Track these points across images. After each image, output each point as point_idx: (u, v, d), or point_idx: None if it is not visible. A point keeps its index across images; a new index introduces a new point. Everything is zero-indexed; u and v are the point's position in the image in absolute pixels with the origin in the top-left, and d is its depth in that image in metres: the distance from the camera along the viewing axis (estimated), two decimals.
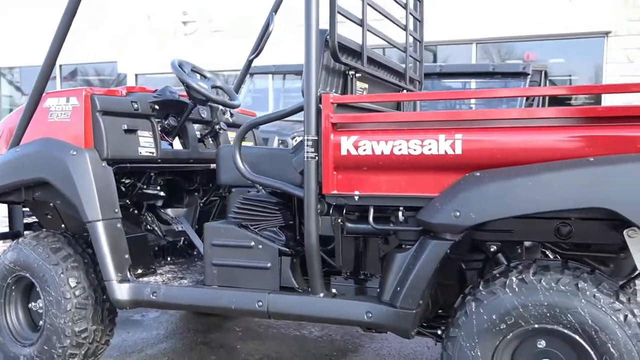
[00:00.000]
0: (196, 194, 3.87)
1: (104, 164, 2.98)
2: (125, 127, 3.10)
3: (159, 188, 3.58)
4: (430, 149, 2.33)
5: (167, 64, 14.10)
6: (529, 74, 9.26)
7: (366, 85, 3.15)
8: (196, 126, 3.64)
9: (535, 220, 2.46)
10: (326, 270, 2.72)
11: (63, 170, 2.95)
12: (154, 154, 3.27)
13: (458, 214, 2.22)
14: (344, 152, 2.46)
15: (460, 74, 9.90)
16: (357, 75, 2.94)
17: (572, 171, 2.09)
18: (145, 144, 3.24)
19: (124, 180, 3.38)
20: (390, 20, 3.38)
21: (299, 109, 2.58)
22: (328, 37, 2.60)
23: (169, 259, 3.59)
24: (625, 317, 2.10)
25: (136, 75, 16.39)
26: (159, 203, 3.63)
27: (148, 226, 3.57)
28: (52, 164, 2.98)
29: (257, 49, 3.83)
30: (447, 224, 2.25)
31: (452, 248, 2.42)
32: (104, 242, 2.91)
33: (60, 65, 17.15)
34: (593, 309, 2.12)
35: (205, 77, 3.54)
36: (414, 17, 3.74)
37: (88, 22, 14.66)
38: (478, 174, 2.25)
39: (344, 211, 2.61)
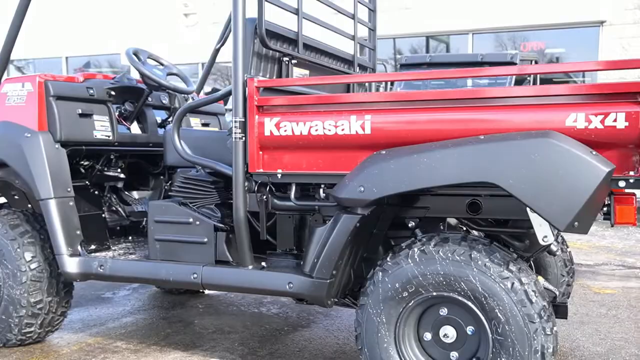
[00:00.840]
0: (162, 177, 4.06)
1: (57, 146, 3.18)
2: (80, 112, 3.29)
3: (119, 170, 3.77)
4: (343, 129, 2.49)
5: (169, 54, 14.26)
6: (516, 64, 9.35)
7: (307, 72, 3.31)
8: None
9: (448, 197, 2.62)
10: (272, 246, 2.91)
11: (18, 152, 3.14)
12: (110, 137, 3.46)
13: (362, 189, 2.38)
14: (267, 133, 2.63)
15: (448, 64, 9.99)
16: (293, 61, 3.10)
17: (461, 148, 2.24)
18: (101, 128, 3.43)
19: (83, 162, 3.57)
20: (336, 10, 3.53)
21: (229, 93, 2.76)
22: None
23: (130, 237, 3.78)
24: (512, 284, 2.25)
25: None
26: (120, 185, 3.82)
27: (112, 207, 3.77)
28: (8, 145, 3.18)
29: (223, 39, 3.99)
30: (352, 198, 2.41)
31: (374, 223, 2.59)
32: (55, 219, 3.10)
33: (67, 57, 17.42)
34: (483, 277, 2.27)
35: (161, 64, 3.72)
36: (366, 7, 3.88)
37: (93, 13, 14.92)
38: (384, 152, 2.41)
39: (269, 188, 2.78)
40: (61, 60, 17.43)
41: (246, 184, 2.69)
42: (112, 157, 3.70)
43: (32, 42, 17.30)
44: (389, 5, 13.60)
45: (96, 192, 3.68)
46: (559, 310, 3.00)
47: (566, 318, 3.00)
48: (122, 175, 3.77)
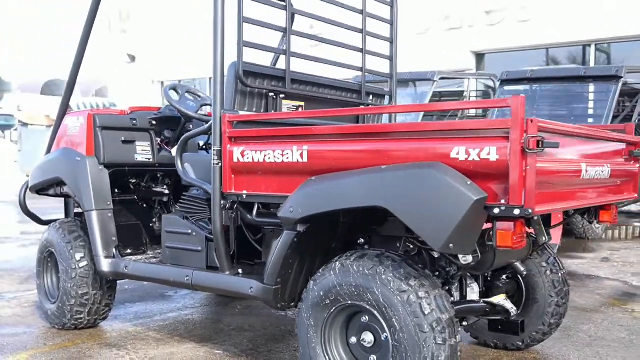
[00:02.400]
0: None
1: (101, 168, 3.91)
2: (123, 139, 4.01)
3: (165, 187, 4.45)
4: (288, 158, 2.93)
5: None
6: (621, 77, 8.97)
7: (302, 103, 3.76)
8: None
9: (392, 218, 2.93)
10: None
11: (71, 172, 3.93)
12: (151, 160, 4.15)
13: (292, 209, 2.80)
14: (235, 160, 3.12)
15: (550, 78, 9.78)
16: (281, 96, 3.57)
17: (363, 176, 2.59)
18: (142, 152, 4.13)
19: (131, 180, 4.30)
20: (343, 47, 3.93)
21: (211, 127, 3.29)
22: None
23: None
24: (408, 297, 2.54)
25: None
26: (165, 199, 4.50)
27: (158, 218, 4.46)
28: (64, 167, 3.98)
29: None
30: (285, 217, 2.83)
31: (330, 239, 2.99)
32: (95, 227, 3.83)
33: (162, 82, 19.16)
34: (384, 289, 2.58)
35: (198, 96, 4.35)
36: (384, 39, 4.21)
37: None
38: (314, 178, 2.81)
39: (236, 207, 3.25)
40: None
41: (222, 202, 3.20)
42: (158, 176, 4.39)
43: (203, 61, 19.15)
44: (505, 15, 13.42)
45: (144, 205, 4.39)
46: (510, 326, 3.17)
47: (518, 335, 3.17)
48: (166, 191, 4.45)
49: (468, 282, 3.29)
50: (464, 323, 3.28)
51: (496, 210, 2.36)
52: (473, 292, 3.28)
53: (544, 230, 3.45)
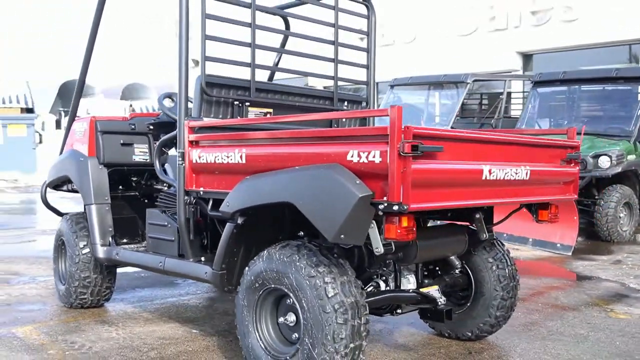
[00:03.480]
0: None
1: (100, 167, 4.47)
2: (121, 142, 4.55)
3: (164, 185, 4.96)
4: (231, 159, 3.35)
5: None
6: None
7: (270, 110, 4.16)
8: None
9: None
10: None
11: (75, 170, 4.51)
12: (148, 160, 4.67)
13: (228, 204, 3.22)
14: (194, 161, 3.58)
15: (583, 80, 9.76)
16: (246, 103, 3.99)
17: (277, 176, 2.98)
18: (140, 153, 4.66)
19: (133, 178, 4.84)
20: (313, 57, 4.31)
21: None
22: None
23: None
24: (315, 282, 2.90)
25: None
26: None
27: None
28: (70, 166, 4.56)
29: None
30: (223, 211, 3.26)
31: (276, 231, 3.40)
32: (94, 219, 4.39)
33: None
34: (297, 275, 2.95)
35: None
36: (360, 50, 4.56)
37: None
38: (248, 177, 3.22)
39: (195, 201, 3.69)
40: None
41: (185, 197, 3.66)
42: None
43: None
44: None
45: (145, 201, 4.91)
46: (437, 314, 3.47)
47: (443, 322, 3.46)
48: (165, 188, 4.96)
49: (405, 274, 3.60)
50: (398, 311, 3.60)
51: (381, 206, 2.69)
52: (409, 282, 3.60)
53: (485, 227, 3.71)
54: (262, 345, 3.18)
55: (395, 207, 2.65)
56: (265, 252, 3.15)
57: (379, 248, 3.06)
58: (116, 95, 36.67)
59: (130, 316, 4.54)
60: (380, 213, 2.73)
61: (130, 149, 4.62)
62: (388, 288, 3.56)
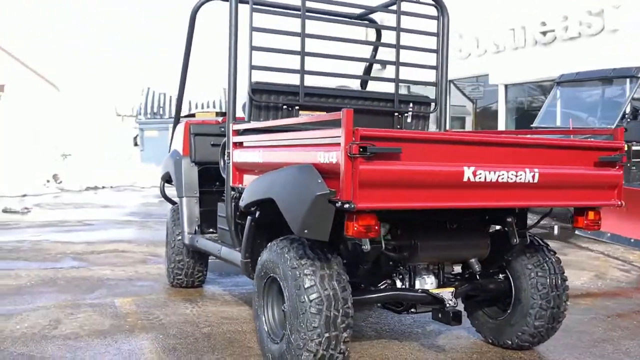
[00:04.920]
0: None
1: (192, 165, 5.10)
2: (212, 143, 5.14)
3: None
4: (254, 159, 3.71)
5: (533, 72, 14.88)
6: None
7: (322, 113, 4.40)
8: None
9: None
10: None
11: (173, 167, 5.20)
12: None
13: (242, 200, 3.59)
14: (236, 160, 4.00)
15: (598, 79, 10.08)
16: (296, 107, 4.29)
17: (267, 176, 3.28)
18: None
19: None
20: (372, 62, 4.49)
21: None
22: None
23: None
24: (298, 274, 3.13)
25: (505, 85, 17.65)
26: None
27: None
28: (171, 164, 5.27)
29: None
30: (241, 206, 3.62)
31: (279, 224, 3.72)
32: (184, 210, 5.03)
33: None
34: (284, 265, 3.21)
35: None
36: (430, 51, 4.62)
37: None
38: (257, 176, 3.55)
39: (238, 196, 4.08)
40: None
41: (231, 192, 4.10)
42: None
43: None
44: None
45: None
46: (445, 316, 3.46)
47: (450, 324, 3.44)
48: None
49: (422, 274, 3.64)
50: (412, 310, 3.65)
51: (338, 204, 2.85)
52: (425, 283, 3.63)
53: (516, 232, 3.61)
54: (266, 328, 3.49)
55: (346, 206, 2.79)
56: (270, 244, 3.45)
57: (365, 246, 3.19)
58: None
59: (214, 297, 5.11)
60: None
61: (219, 150, 5.18)
62: (403, 286, 3.63)
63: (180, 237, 5.18)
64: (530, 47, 16.29)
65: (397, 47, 4.58)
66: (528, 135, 4.60)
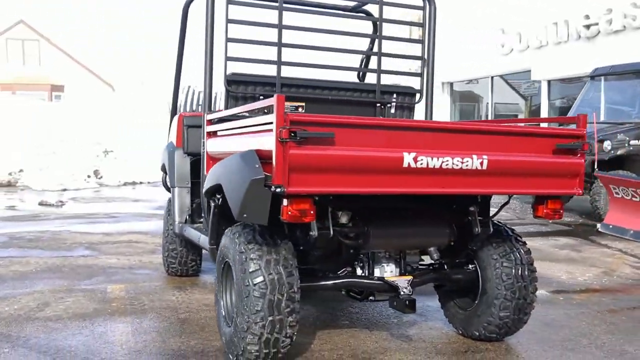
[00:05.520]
0: None
1: (184, 156, 5.23)
2: None
3: None
4: (216, 148, 3.80)
5: (575, 67, 14.51)
6: None
7: (302, 104, 4.45)
8: None
9: None
10: None
11: (167, 158, 5.34)
12: None
13: (203, 188, 3.68)
14: (209, 149, 4.09)
15: (633, 72, 9.92)
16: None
17: (219, 162, 3.34)
18: None
19: None
20: (351, 52, 4.51)
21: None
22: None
23: None
24: (244, 258, 3.19)
25: (549, 81, 17.19)
26: None
27: None
28: (164, 154, 5.41)
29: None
30: (202, 193, 3.72)
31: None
32: (175, 199, 5.16)
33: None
34: (234, 250, 3.28)
35: None
36: (414, 42, 4.61)
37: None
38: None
39: None
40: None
41: None
42: None
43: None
44: None
45: None
46: (400, 304, 3.45)
47: (404, 312, 3.42)
48: None
49: (383, 262, 3.64)
50: (371, 298, 3.66)
51: (272, 189, 2.89)
52: (384, 271, 3.62)
53: (477, 221, 3.57)
54: (223, 312, 3.56)
55: (278, 190, 2.83)
56: (227, 229, 3.52)
57: (313, 232, 3.23)
58: None
59: (205, 286, 5.22)
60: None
61: None
62: (363, 274, 3.64)
63: (172, 227, 5.32)
64: (573, 42, 15.85)
65: (380, 37, 4.58)
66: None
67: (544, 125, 9.57)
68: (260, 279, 3.13)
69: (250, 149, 3.10)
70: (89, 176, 14.46)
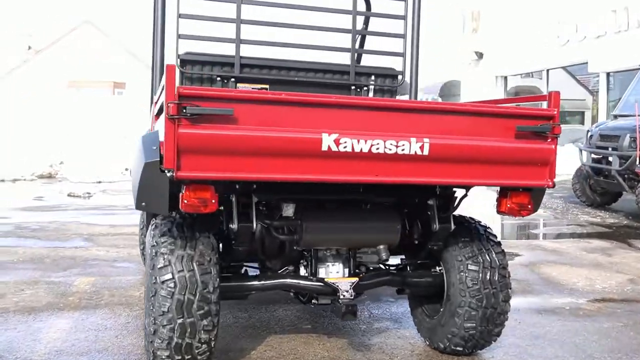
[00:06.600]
0: None
1: None
2: None
3: None
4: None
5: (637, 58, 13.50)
6: None
7: (265, 86, 4.06)
8: None
9: None
10: None
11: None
12: None
13: None
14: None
15: None
16: (232, 80, 3.98)
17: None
18: None
19: None
20: (322, 29, 4.09)
21: None
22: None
23: None
24: (152, 252, 2.85)
25: (607, 73, 16.08)
26: None
27: None
28: None
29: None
30: None
31: None
32: None
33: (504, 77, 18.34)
34: (149, 242, 2.93)
35: None
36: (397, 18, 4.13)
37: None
38: None
39: None
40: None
41: None
42: None
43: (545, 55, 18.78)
44: None
45: None
46: (338, 310, 3.02)
47: (342, 318, 3.00)
48: None
49: (328, 262, 3.21)
50: (314, 301, 3.24)
51: (167, 174, 2.52)
52: (329, 271, 3.20)
53: (436, 216, 3.11)
54: None
55: (169, 174, 2.46)
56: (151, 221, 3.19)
57: (233, 224, 2.86)
58: (435, 93, 37.84)
59: None
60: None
61: None
62: (306, 274, 3.23)
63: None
64: (633, 30, 14.76)
65: (354, 13, 4.13)
66: None
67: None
68: (168, 276, 2.78)
69: (157, 130, 2.75)
70: (126, 169, 14.51)
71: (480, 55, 21.67)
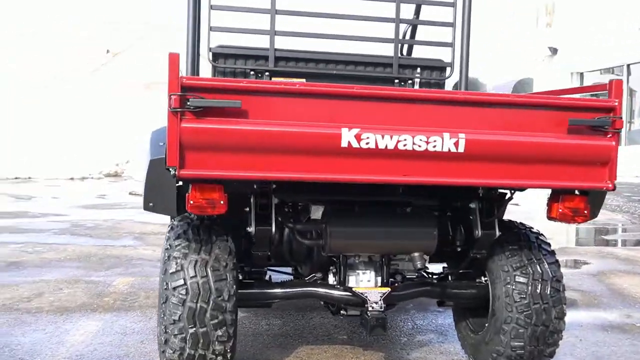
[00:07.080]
0: None
1: None
2: None
3: None
4: None
5: None
6: None
7: (303, 80, 3.82)
8: None
9: None
10: None
11: None
12: None
13: None
14: None
15: None
16: (266, 74, 3.76)
17: None
18: None
19: None
20: (363, 19, 3.82)
21: None
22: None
23: None
24: (165, 255, 2.66)
25: None
26: None
27: None
28: None
29: None
30: None
31: None
32: None
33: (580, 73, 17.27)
34: (165, 244, 2.74)
35: None
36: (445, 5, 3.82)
37: None
38: None
39: None
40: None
41: None
42: None
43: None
44: None
45: None
46: (366, 322, 2.75)
47: (370, 333, 2.72)
48: None
49: (358, 270, 2.94)
50: (342, 312, 2.98)
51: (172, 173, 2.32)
52: (360, 280, 2.93)
53: (479, 222, 2.80)
54: None
55: (172, 173, 2.26)
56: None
57: (250, 227, 2.65)
58: (507, 91, 36.73)
59: None
60: None
61: None
62: (334, 282, 2.97)
63: None
64: None
65: (398, 1, 3.82)
66: None
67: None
68: (180, 282, 2.58)
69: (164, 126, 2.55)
70: None
71: (554, 51, 20.71)
